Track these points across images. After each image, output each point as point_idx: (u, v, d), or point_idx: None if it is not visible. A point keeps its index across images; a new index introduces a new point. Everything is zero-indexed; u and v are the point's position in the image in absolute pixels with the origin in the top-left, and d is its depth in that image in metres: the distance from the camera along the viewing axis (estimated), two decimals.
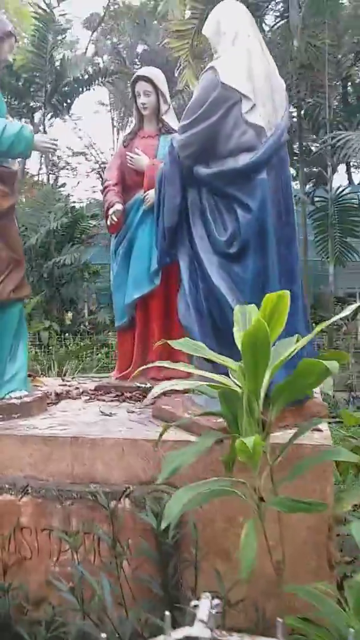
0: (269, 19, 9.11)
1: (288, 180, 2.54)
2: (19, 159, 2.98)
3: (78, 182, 18.52)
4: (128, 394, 3.35)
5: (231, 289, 2.39)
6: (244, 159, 2.40)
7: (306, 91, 8.18)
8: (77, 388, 3.67)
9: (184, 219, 2.60)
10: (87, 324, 11.09)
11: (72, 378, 4.15)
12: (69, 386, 3.78)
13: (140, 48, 13.89)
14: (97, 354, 6.57)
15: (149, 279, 3.44)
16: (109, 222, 3.35)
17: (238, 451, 1.67)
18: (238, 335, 1.85)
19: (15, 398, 2.88)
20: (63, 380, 4.02)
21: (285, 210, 2.47)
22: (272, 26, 8.67)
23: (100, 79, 11.23)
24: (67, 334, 8.67)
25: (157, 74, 3.43)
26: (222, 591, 1.96)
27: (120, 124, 17.24)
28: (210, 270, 2.42)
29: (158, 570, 2.20)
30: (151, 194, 3.14)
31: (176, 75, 8.00)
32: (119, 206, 3.33)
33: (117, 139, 12.65)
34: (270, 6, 8.79)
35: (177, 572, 2.20)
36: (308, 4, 8.31)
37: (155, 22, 11.37)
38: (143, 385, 3.44)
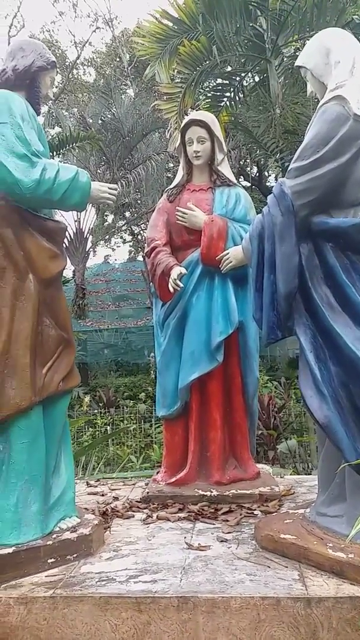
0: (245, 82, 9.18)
1: None
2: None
3: None
4: (193, 507, 2.60)
5: None
6: None
7: (291, 155, 8.16)
8: (117, 498, 2.87)
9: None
10: None
11: (97, 481, 3.33)
12: (102, 494, 2.98)
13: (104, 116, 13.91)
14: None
15: (209, 356, 2.80)
16: (171, 289, 2.71)
17: None
18: None
19: (68, 530, 2.08)
20: (89, 485, 3.20)
21: None
22: (251, 90, 8.73)
23: (70, 144, 10.97)
24: None
25: (213, 119, 2.95)
26: None
27: None
28: (357, 348, 1.83)
29: None
30: (233, 254, 2.56)
31: (167, 136, 7.78)
32: (183, 269, 2.71)
33: None
34: (248, 74, 8.89)
35: None
36: (287, 76, 8.44)
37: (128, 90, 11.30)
38: (208, 494, 2.71)
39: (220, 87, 8.22)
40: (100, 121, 14.12)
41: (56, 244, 2.18)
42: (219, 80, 8.37)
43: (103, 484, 3.20)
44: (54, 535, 2.03)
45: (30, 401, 2.02)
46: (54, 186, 2.06)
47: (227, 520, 2.39)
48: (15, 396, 2.01)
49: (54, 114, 15.35)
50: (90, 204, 2.31)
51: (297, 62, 2.28)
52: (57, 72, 2.48)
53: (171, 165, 12.49)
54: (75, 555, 2.01)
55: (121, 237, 20.32)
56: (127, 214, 16.85)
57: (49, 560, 1.96)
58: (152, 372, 11.00)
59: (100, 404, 8.45)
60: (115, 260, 20.46)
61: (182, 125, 2.96)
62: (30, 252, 2.10)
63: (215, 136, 2.91)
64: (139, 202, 14.44)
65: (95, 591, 1.75)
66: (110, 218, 17.69)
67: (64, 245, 2.30)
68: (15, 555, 1.90)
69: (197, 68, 7.33)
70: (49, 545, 1.97)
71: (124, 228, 18.53)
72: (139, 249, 17.24)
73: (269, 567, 1.87)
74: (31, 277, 2.10)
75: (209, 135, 2.89)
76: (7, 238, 2.07)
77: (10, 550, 1.91)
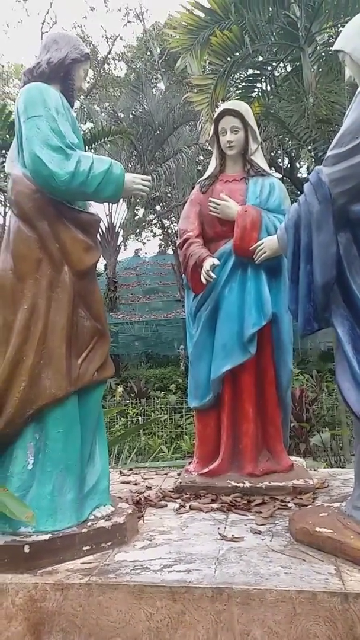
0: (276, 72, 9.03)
1: None
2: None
3: None
4: (226, 498, 2.59)
5: None
6: None
7: (325, 145, 8.00)
8: (149, 487, 2.89)
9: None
10: None
11: (130, 470, 3.36)
12: (135, 484, 3.01)
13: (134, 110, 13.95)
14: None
15: (242, 348, 2.77)
16: (203, 280, 2.70)
17: None
18: None
19: (102, 518, 2.10)
20: (122, 474, 3.23)
21: None
22: (283, 80, 8.59)
23: (102, 139, 11.04)
24: None
25: (247, 108, 2.91)
26: None
27: None
28: None
29: None
30: (268, 245, 2.53)
31: (198, 128, 7.78)
32: (216, 260, 2.70)
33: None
34: (280, 63, 8.75)
35: None
36: (320, 64, 8.25)
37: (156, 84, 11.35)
38: (241, 485, 2.69)
39: (251, 78, 8.12)
40: (131, 115, 14.17)
41: (90, 236, 2.19)
42: (251, 71, 8.27)
43: (136, 473, 3.23)
44: (89, 523, 2.06)
45: (66, 391, 2.05)
46: (88, 178, 2.06)
47: (261, 512, 2.38)
48: (51, 386, 2.04)
49: (85, 109, 15.47)
50: (122, 197, 2.31)
51: (335, 46, 2.21)
52: (90, 64, 2.47)
53: (202, 158, 12.43)
54: (109, 544, 2.03)
55: (151, 231, 20.41)
56: (158, 207, 16.88)
57: (84, 548, 1.98)
58: (182, 364, 11.02)
59: (132, 395, 8.53)
60: (146, 253, 20.58)
61: (215, 115, 2.93)
62: (65, 244, 2.11)
63: (249, 125, 2.87)
64: (169, 195, 14.46)
65: (130, 579, 1.76)
66: (140, 212, 17.77)
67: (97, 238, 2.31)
68: (51, 542, 1.94)
69: (229, 59, 7.26)
70: (84, 533, 2.00)
71: (154, 222, 18.57)
72: (169, 243, 17.27)
73: (305, 560, 1.85)
74: (66, 269, 2.12)
75: (242, 125, 2.86)
76: (42, 230, 2.09)
77: (46, 537, 1.94)
